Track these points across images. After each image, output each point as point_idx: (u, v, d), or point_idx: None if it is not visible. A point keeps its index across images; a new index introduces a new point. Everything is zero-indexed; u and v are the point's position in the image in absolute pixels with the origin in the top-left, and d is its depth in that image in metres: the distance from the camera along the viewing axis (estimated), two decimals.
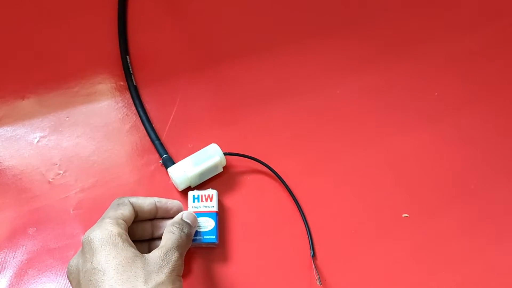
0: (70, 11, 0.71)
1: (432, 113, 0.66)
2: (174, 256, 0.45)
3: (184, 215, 0.50)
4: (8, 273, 0.53)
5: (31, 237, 0.56)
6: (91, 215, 0.57)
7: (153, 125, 0.63)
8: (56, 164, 0.60)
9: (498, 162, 0.62)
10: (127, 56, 0.67)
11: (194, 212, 0.55)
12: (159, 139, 0.61)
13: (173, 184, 0.59)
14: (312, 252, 0.55)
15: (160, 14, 0.72)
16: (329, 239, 0.56)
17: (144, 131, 0.63)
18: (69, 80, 0.66)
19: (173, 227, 0.48)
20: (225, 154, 0.59)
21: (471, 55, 0.71)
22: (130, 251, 0.43)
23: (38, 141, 0.62)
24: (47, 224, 0.56)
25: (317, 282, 0.53)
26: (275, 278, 0.54)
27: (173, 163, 0.58)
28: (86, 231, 0.56)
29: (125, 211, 0.48)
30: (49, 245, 0.55)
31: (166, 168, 0.59)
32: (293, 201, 0.59)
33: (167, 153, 0.60)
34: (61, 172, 0.60)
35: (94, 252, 0.43)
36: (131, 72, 0.66)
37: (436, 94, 0.67)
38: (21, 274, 0.54)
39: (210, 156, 0.58)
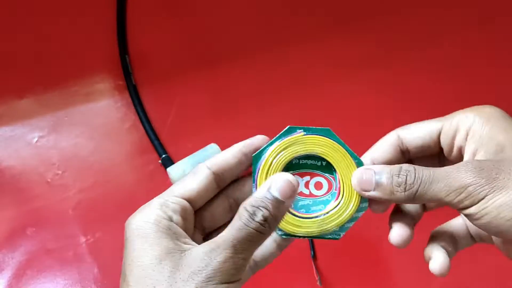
0: (69, 11, 0.71)
1: (433, 112, 0.65)
2: (221, 255, 0.30)
3: (274, 183, 0.32)
4: (7, 274, 0.53)
5: (29, 238, 0.55)
6: (90, 216, 0.57)
7: (152, 125, 0.62)
8: (55, 164, 0.60)
9: None
10: (126, 56, 0.67)
11: None
12: (158, 139, 0.61)
13: (172, 184, 0.58)
14: (312, 253, 0.55)
15: (159, 14, 0.72)
16: (328, 247, 0.56)
17: (143, 130, 0.62)
18: (68, 79, 0.66)
19: (243, 208, 0.31)
20: None
21: (476, 52, 0.70)
22: (163, 245, 0.31)
23: (36, 141, 0.62)
24: (45, 224, 0.56)
25: (318, 283, 0.53)
26: (275, 279, 0.54)
27: (172, 162, 0.58)
28: (85, 231, 0.56)
29: (192, 183, 0.34)
30: (48, 245, 0.55)
31: (165, 167, 0.58)
32: None
33: (166, 153, 0.60)
34: (60, 172, 0.60)
35: (125, 244, 0.33)
36: (130, 71, 0.66)
37: (435, 94, 0.67)
38: (19, 274, 0.53)
39: (209, 156, 0.57)
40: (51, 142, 0.62)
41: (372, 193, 0.34)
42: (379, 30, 0.72)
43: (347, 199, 0.36)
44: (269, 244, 0.37)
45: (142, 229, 0.32)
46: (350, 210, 0.36)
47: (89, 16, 0.70)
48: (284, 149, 0.36)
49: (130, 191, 0.59)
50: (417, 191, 0.32)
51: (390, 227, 0.36)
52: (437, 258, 0.38)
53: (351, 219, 0.36)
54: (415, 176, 0.33)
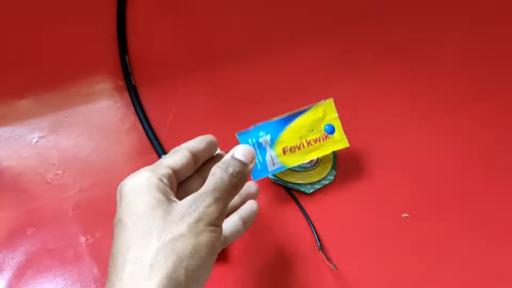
0: (69, 11, 0.71)
1: (432, 112, 0.66)
2: (205, 201, 0.36)
3: (237, 151, 0.40)
4: (7, 274, 0.53)
5: (29, 238, 0.56)
6: (90, 216, 0.57)
7: (152, 125, 0.62)
8: (55, 165, 0.60)
9: (500, 163, 0.62)
10: (126, 56, 0.67)
11: None
12: (157, 139, 0.61)
13: None
14: (319, 245, 0.55)
15: (159, 14, 0.72)
16: (332, 232, 0.56)
17: (143, 131, 0.62)
18: (67, 80, 0.66)
19: (215, 167, 0.39)
20: None
21: (477, 53, 0.71)
22: (154, 196, 0.37)
23: (36, 141, 0.62)
24: (45, 224, 0.56)
25: (333, 267, 0.53)
26: (281, 275, 0.54)
27: None
28: (85, 231, 0.57)
29: (176, 157, 0.41)
30: (48, 245, 0.55)
31: None
32: (293, 199, 0.59)
33: (166, 153, 0.60)
34: (60, 172, 0.60)
35: (119, 202, 0.38)
36: (130, 72, 0.66)
37: (435, 94, 0.67)
38: (19, 274, 0.53)
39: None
40: (51, 142, 0.62)
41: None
42: (378, 33, 0.72)
43: (320, 168, 0.60)
44: (235, 221, 0.46)
45: (135, 186, 0.38)
46: (319, 176, 0.59)
47: (89, 16, 0.70)
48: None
49: None
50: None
51: None
52: None
53: (319, 182, 0.59)
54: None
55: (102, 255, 0.55)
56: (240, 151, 0.40)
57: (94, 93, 0.65)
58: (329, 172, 0.60)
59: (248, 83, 0.67)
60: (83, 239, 0.56)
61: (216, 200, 0.37)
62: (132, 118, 0.64)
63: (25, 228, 0.56)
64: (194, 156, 0.42)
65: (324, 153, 0.57)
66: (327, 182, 0.59)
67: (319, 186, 0.59)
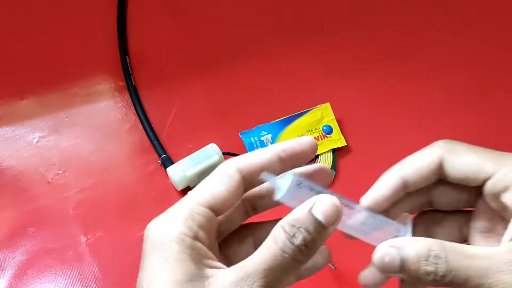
0: (69, 12, 0.71)
1: (432, 112, 0.66)
2: (254, 286, 0.26)
3: (317, 204, 0.27)
4: (8, 273, 0.53)
5: (30, 237, 0.56)
6: (90, 215, 0.57)
7: (152, 125, 0.63)
8: (56, 164, 0.60)
9: None
10: (126, 57, 0.67)
11: None
12: (158, 139, 0.61)
13: (172, 184, 0.59)
14: None
15: (160, 15, 0.72)
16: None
17: (143, 131, 0.62)
18: (68, 80, 0.66)
19: (279, 228, 0.27)
20: (224, 154, 0.59)
21: (474, 52, 0.71)
22: (183, 269, 0.27)
23: (37, 141, 0.62)
24: (46, 224, 0.56)
25: (332, 267, 0.54)
26: None
27: (172, 163, 0.58)
28: (85, 231, 0.57)
29: (220, 187, 0.29)
30: (49, 245, 0.55)
31: (165, 168, 0.59)
32: None
33: (166, 153, 0.60)
34: (61, 172, 0.60)
35: (143, 257, 0.30)
36: (130, 72, 0.66)
37: (435, 93, 0.67)
38: (20, 274, 0.54)
39: (209, 156, 0.58)
40: (52, 143, 0.62)
41: (398, 275, 0.29)
42: (378, 34, 0.72)
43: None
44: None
45: (164, 246, 0.28)
46: None
47: (89, 16, 0.70)
48: None
49: (130, 191, 0.59)
50: (448, 282, 0.27)
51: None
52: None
53: None
54: (447, 266, 0.27)
55: (103, 255, 0.55)
56: (322, 207, 0.27)
57: (95, 93, 0.65)
58: None
59: (249, 83, 0.67)
60: (83, 239, 0.56)
61: (269, 284, 0.27)
62: (132, 118, 0.64)
63: (26, 227, 0.56)
64: (246, 182, 0.30)
65: (323, 150, 0.60)
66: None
67: None
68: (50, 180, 0.59)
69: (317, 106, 0.63)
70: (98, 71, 0.67)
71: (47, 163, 0.60)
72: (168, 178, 0.59)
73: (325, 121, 0.62)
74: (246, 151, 0.60)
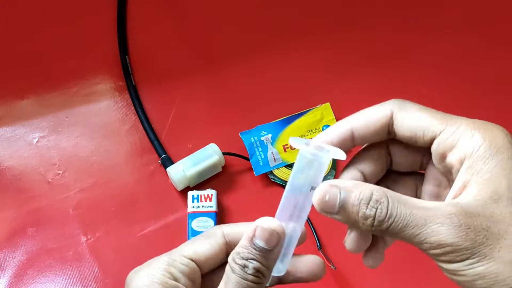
0: (69, 12, 0.71)
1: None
2: None
3: (257, 231, 0.30)
4: (8, 273, 0.54)
5: (30, 237, 0.56)
6: (90, 215, 0.57)
7: (152, 125, 0.63)
8: (56, 164, 0.60)
9: None
10: (126, 56, 0.67)
11: (193, 212, 0.55)
12: (158, 139, 0.61)
13: (172, 184, 0.59)
14: (318, 245, 0.55)
15: (160, 15, 0.72)
16: (332, 232, 0.56)
17: (143, 131, 0.62)
18: (68, 80, 0.66)
19: (232, 263, 0.30)
20: (224, 154, 0.59)
21: (473, 52, 0.70)
22: None
23: (37, 141, 0.62)
24: (46, 224, 0.56)
25: (332, 267, 0.54)
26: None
27: (172, 163, 0.58)
28: (85, 231, 0.57)
29: (204, 246, 0.32)
30: (49, 245, 0.55)
31: (165, 168, 0.59)
32: None
33: (166, 153, 0.60)
34: (61, 172, 0.60)
35: None
36: (130, 72, 0.66)
37: (435, 93, 0.67)
38: (20, 274, 0.54)
39: (209, 156, 0.58)
40: (52, 142, 0.62)
41: (334, 216, 0.29)
42: (377, 34, 0.72)
43: None
44: None
45: (148, 287, 0.30)
46: None
47: (89, 16, 0.70)
48: None
49: (130, 191, 0.59)
50: (386, 229, 0.27)
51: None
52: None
53: None
54: (387, 212, 0.27)
55: (103, 255, 0.55)
56: (261, 234, 0.30)
57: (95, 93, 0.65)
58: (329, 172, 0.60)
59: (248, 83, 0.67)
60: (83, 239, 0.56)
61: None
62: (132, 118, 0.64)
63: (26, 227, 0.56)
64: (230, 246, 0.33)
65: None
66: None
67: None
68: (50, 180, 0.59)
69: (317, 106, 0.63)
70: (98, 71, 0.67)
71: (47, 163, 0.60)
72: (168, 178, 0.59)
73: (325, 121, 0.62)
74: (246, 151, 0.60)
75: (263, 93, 0.66)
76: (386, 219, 0.27)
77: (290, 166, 0.60)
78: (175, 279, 0.31)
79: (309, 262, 0.33)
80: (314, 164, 0.30)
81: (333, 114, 0.63)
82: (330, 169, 0.60)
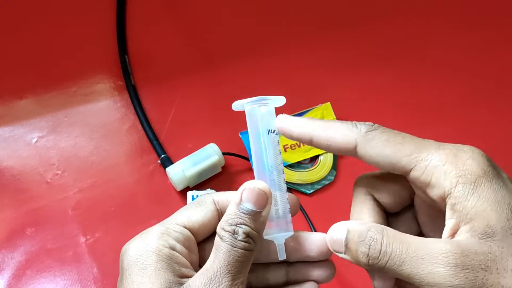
0: (68, 11, 0.71)
1: (431, 113, 0.66)
2: (221, 285, 0.29)
3: (244, 194, 0.30)
4: (6, 274, 0.53)
5: (29, 238, 0.55)
6: (89, 215, 0.57)
7: (152, 125, 0.62)
8: (55, 165, 0.60)
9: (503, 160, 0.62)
10: (126, 56, 0.67)
11: None
12: (157, 139, 0.61)
13: (172, 184, 0.59)
14: None
15: (159, 14, 0.72)
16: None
17: (143, 131, 0.62)
18: (67, 80, 0.66)
19: (221, 231, 0.30)
20: (223, 154, 0.59)
21: (473, 52, 0.70)
22: (162, 279, 0.29)
23: (36, 141, 0.62)
24: (45, 224, 0.56)
25: None
26: None
27: (172, 163, 0.58)
28: (84, 231, 0.56)
29: (197, 213, 0.32)
30: (48, 245, 0.55)
31: (165, 168, 0.58)
32: None
33: (166, 153, 0.60)
34: (60, 172, 0.60)
35: (121, 275, 0.32)
36: (130, 72, 0.66)
37: (436, 93, 0.67)
38: (19, 274, 0.53)
39: (209, 156, 0.58)
40: (51, 142, 0.62)
41: (343, 256, 0.30)
42: (377, 34, 0.72)
43: (320, 168, 0.60)
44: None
45: (141, 258, 0.30)
46: (319, 175, 0.59)
47: (89, 16, 0.70)
48: None
49: (130, 191, 0.59)
50: (384, 267, 0.27)
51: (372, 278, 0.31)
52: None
53: (319, 182, 0.59)
54: (380, 249, 0.27)
55: (102, 255, 0.55)
56: (248, 195, 0.30)
57: (94, 93, 0.65)
58: (329, 172, 0.60)
59: (248, 83, 0.67)
60: (82, 239, 0.56)
61: (234, 279, 0.29)
62: (132, 118, 0.64)
63: (25, 228, 0.56)
64: (222, 213, 0.33)
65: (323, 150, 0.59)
66: (327, 182, 0.59)
67: (319, 186, 0.59)
68: (49, 180, 0.59)
69: (318, 106, 0.63)
70: (97, 70, 0.67)
71: (46, 163, 0.60)
72: (168, 178, 0.59)
73: None
74: (246, 151, 0.60)
75: (264, 93, 0.66)
76: (381, 256, 0.27)
77: (290, 166, 0.60)
78: (170, 247, 0.31)
79: (317, 240, 0.33)
80: (258, 113, 0.34)
81: (333, 113, 0.62)
82: (330, 169, 0.60)
